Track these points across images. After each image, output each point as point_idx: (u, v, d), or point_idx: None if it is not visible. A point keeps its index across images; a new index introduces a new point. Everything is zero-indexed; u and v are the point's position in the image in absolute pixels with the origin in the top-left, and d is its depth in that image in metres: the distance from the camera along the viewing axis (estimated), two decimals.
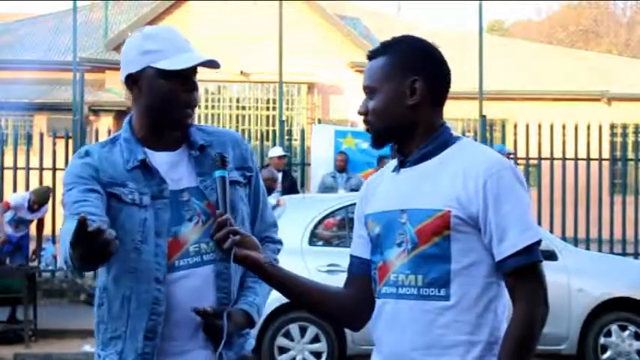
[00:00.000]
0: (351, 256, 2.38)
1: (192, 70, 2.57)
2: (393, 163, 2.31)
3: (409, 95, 2.21)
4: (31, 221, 10.82)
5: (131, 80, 2.60)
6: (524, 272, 2.11)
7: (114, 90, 21.27)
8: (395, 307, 2.18)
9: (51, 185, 12.33)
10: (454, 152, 2.20)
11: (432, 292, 2.13)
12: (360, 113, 2.27)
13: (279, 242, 2.84)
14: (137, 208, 2.53)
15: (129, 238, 2.51)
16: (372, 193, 2.32)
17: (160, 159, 2.60)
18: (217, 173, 2.34)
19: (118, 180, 2.55)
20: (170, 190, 2.58)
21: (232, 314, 2.57)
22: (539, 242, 2.13)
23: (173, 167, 2.60)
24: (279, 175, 11.82)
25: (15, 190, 12.14)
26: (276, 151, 12.32)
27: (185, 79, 2.56)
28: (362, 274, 2.33)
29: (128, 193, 2.54)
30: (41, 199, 10.46)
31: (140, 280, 2.53)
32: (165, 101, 2.56)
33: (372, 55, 2.28)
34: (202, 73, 2.72)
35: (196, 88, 2.60)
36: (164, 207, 2.55)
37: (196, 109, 2.71)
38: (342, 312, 2.36)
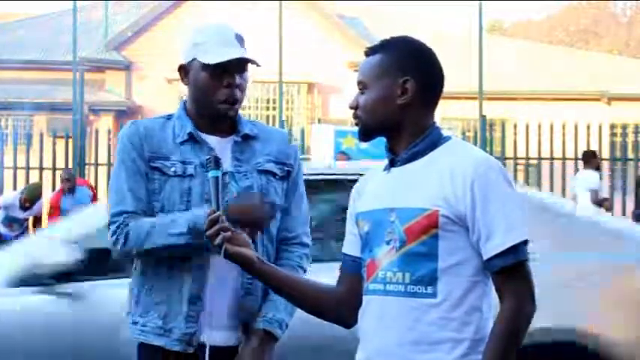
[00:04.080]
0: (343, 254, 2.40)
1: (235, 67, 2.65)
2: (385, 162, 2.33)
3: (399, 95, 2.23)
4: (25, 220, 10.80)
5: (183, 71, 2.72)
6: (511, 271, 2.13)
7: (114, 90, 21.29)
8: (382, 303, 2.20)
9: (50, 185, 12.33)
10: (443, 152, 2.23)
11: (419, 289, 2.16)
12: (350, 107, 2.31)
13: (307, 245, 2.86)
14: (179, 179, 2.65)
15: (175, 208, 2.63)
16: (362, 192, 2.35)
17: (209, 140, 2.71)
18: (211, 174, 2.40)
19: (161, 153, 2.67)
20: None
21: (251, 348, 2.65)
22: (526, 242, 2.16)
23: (220, 151, 2.66)
24: None
25: (15, 190, 12.13)
26: None
27: (226, 74, 2.64)
28: (353, 271, 2.35)
29: (170, 166, 2.66)
30: (31, 195, 10.44)
31: None
32: (204, 93, 2.68)
33: (369, 52, 2.31)
34: None
35: (237, 85, 2.67)
36: (220, 184, 2.60)
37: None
38: (333, 309, 2.39)
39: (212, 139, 2.71)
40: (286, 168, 2.79)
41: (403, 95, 2.23)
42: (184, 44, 2.72)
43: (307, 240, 2.86)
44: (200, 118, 2.72)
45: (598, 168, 11.72)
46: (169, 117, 2.77)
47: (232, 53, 2.63)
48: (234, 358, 2.64)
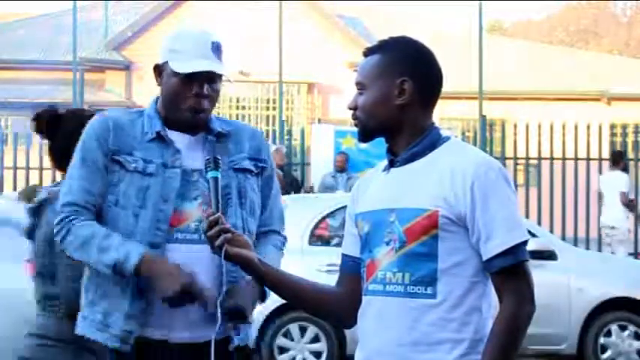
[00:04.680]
0: (343, 255, 2.41)
1: (204, 78, 2.67)
2: (384, 163, 2.34)
3: (397, 95, 2.24)
4: None
5: (157, 70, 2.75)
6: (511, 271, 2.14)
7: (114, 90, 21.29)
8: (382, 304, 2.21)
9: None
10: (442, 152, 2.23)
11: (419, 289, 2.16)
12: (349, 108, 2.32)
13: (286, 238, 2.90)
14: (140, 176, 2.65)
15: (129, 203, 2.64)
16: (362, 193, 2.36)
17: (176, 137, 2.73)
18: (210, 174, 2.42)
19: (125, 148, 2.68)
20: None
21: (239, 289, 2.62)
22: (525, 242, 2.16)
23: (188, 149, 2.71)
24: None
25: (15, 190, 12.13)
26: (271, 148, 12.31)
27: (195, 83, 2.67)
28: (353, 272, 2.36)
29: (132, 162, 2.67)
30: (28, 197, 10.42)
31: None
32: (173, 99, 2.71)
33: (367, 52, 2.32)
34: None
35: (205, 95, 2.68)
36: (174, 176, 2.67)
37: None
38: (333, 309, 2.40)
39: (183, 138, 2.73)
40: (260, 164, 2.82)
41: (401, 96, 2.24)
42: (162, 46, 2.75)
43: (284, 234, 2.89)
44: (170, 116, 2.74)
45: (625, 169, 11.71)
46: (141, 113, 2.79)
47: (202, 65, 2.66)
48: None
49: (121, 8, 24.20)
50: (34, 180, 12.35)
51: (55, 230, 2.68)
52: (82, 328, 2.70)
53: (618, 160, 11.69)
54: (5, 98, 18.70)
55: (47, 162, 12.54)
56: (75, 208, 2.64)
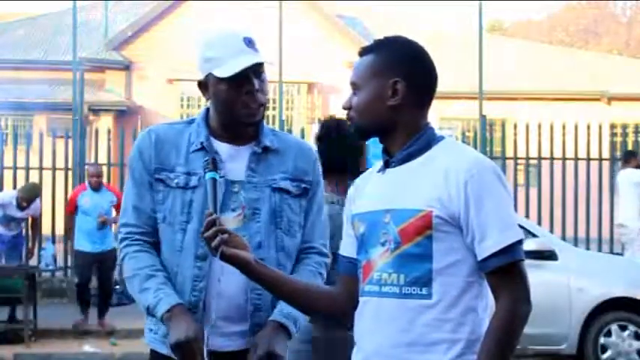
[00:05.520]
0: (340, 256, 2.41)
1: (251, 72, 2.64)
2: (379, 163, 2.33)
3: (390, 96, 2.23)
4: (23, 219, 10.78)
5: (202, 86, 2.73)
6: (506, 271, 2.13)
7: (114, 90, 21.28)
8: (377, 305, 2.21)
9: (50, 185, 12.32)
10: (437, 152, 2.22)
11: (414, 290, 2.16)
12: (343, 107, 2.32)
13: (326, 255, 2.86)
14: (182, 191, 2.68)
15: (176, 220, 2.67)
16: (359, 194, 2.36)
17: (221, 148, 2.71)
18: (208, 175, 2.42)
19: (168, 164, 2.70)
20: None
21: (266, 334, 2.64)
22: (520, 241, 2.16)
23: (232, 159, 2.70)
24: None
25: (15, 189, 12.11)
26: None
27: (244, 81, 2.64)
28: (350, 273, 2.36)
29: (174, 178, 2.69)
30: (28, 195, 10.39)
31: (185, 258, 2.67)
32: (227, 105, 2.67)
33: (362, 52, 2.31)
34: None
35: (258, 89, 2.66)
36: (217, 186, 2.63)
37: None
38: (331, 310, 2.40)
39: (228, 148, 2.71)
40: (303, 185, 2.78)
41: (393, 96, 2.23)
42: (197, 60, 2.71)
43: (325, 250, 2.85)
44: (220, 126, 2.72)
45: (638, 166, 11.91)
46: (191, 121, 2.78)
47: (245, 61, 2.62)
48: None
49: (121, 8, 24.20)
50: (33, 180, 12.33)
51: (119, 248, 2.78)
52: (149, 340, 2.78)
53: (630, 159, 11.89)
54: (5, 98, 18.70)
55: (47, 162, 12.56)
56: (129, 229, 2.73)
